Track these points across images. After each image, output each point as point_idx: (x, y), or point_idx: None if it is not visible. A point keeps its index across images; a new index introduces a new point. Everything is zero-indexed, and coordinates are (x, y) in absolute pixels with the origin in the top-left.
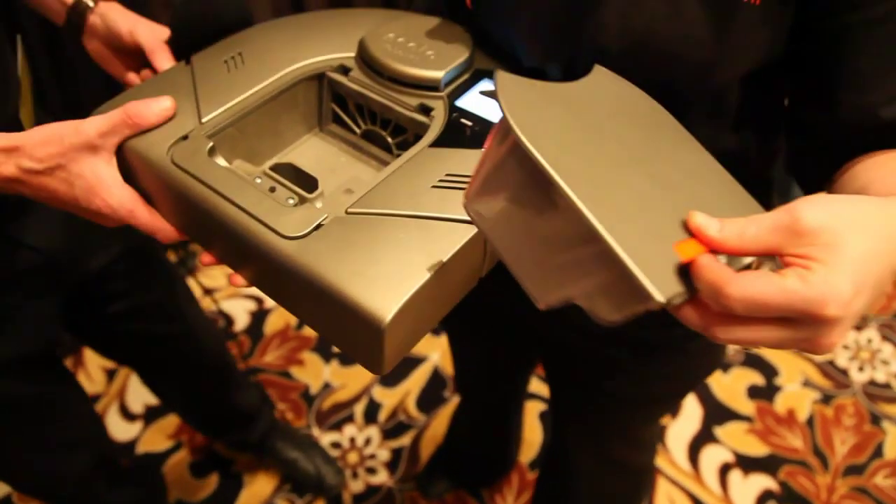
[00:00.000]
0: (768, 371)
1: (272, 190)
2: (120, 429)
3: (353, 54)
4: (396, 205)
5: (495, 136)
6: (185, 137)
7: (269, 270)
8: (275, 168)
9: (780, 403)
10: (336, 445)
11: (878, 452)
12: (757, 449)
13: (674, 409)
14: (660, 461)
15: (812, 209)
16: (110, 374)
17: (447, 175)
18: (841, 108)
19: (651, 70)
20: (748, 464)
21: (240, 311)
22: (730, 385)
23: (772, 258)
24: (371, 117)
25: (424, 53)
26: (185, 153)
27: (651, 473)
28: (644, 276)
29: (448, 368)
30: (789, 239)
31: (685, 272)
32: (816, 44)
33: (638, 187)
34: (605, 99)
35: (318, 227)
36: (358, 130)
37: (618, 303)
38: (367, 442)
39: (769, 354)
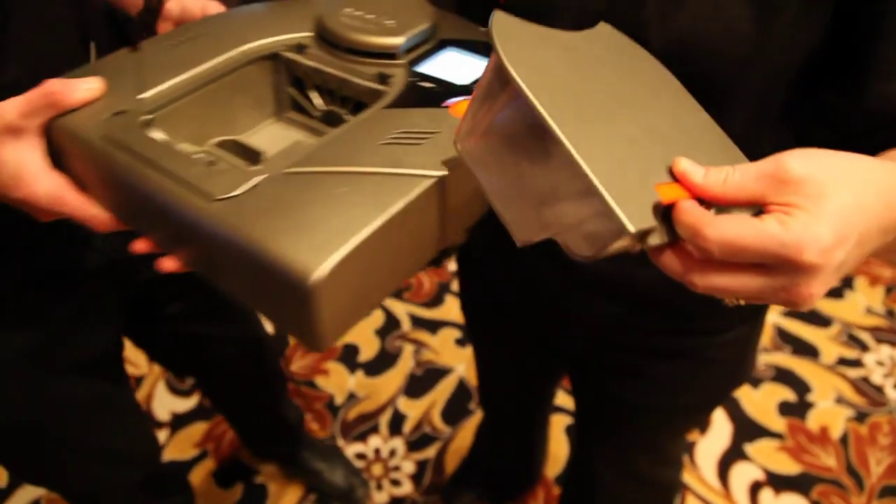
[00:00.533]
0: (800, 387)
1: (211, 164)
2: None
3: (311, 34)
4: (342, 161)
5: (489, 75)
6: (119, 113)
7: (199, 240)
8: (218, 144)
9: (813, 420)
10: (361, 456)
11: None
12: (789, 467)
13: (702, 424)
14: (688, 478)
15: (799, 160)
16: (137, 382)
17: (400, 132)
18: (867, 97)
19: (691, 66)
20: (780, 482)
21: (264, 320)
22: (760, 401)
23: (756, 209)
24: (330, 96)
25: (383, 23)
26: (118, 128)
27: (678, 490)
28: (617, 206)
29: (474, 380)
30: (773, 187)
31: (668, 217)
32: (848, 31)
33: (629, 135)
34: (606, 51)
35: (253, 188)
36: (317, 113)
37: (593, 237)
38: (392, 453)
39: (801, 370)
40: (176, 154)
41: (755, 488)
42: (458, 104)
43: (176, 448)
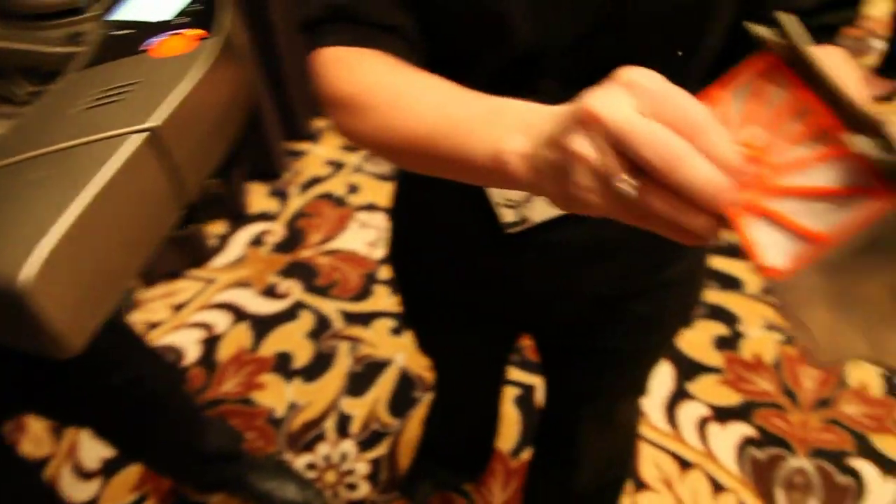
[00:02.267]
0: (731, 320)
1: None
2: (76, 489)
3: None
4: (36, 144)
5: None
6: None
7: None
8: None
9: (747, 350)
10: (311, 466)
11: (843, 383)
12: (730, 398)
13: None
14: (641, 428)
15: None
16: (58, 431)
17: (99, 92)
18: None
19: (667, 22)
20: (724, 414)
21: (189, 343)
22: (696, 339)
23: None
24: (34, 76)
25: None
26: None
27: (637, 433)
28: None
29: (416, 367)
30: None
31: None
32: None
33: None
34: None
35: None
36: (23, 99)
37: None
38: (344, 457)
39: (729, 303)
40: None
41: (702, 424)
42: (161, 43)
43: (112, 496)
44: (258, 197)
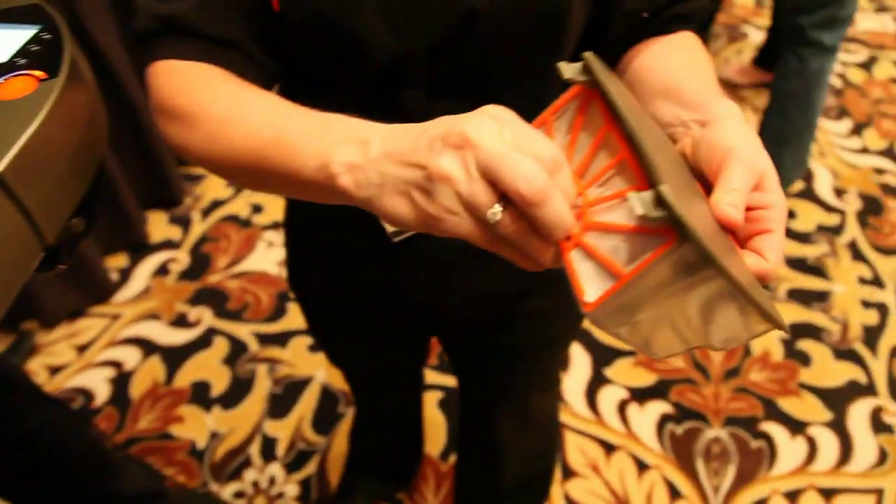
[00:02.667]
0: None
1: None
2: None
3: None
4: None
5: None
6: None
7: None
8: None
9: None
10: (240, 495)
11: (747, 352)
12: (646, 379)
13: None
14: (562, 416)
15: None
16: None
17: None
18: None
19: (522, 29)
20: (641, 395)
21: (98, 382)
22: None
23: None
24: None
25: None
26: None
27: (559, 424)
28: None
29: (337, 383)
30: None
31: None
32: None
33: (687, 189)
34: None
35: None
36: None
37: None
38: (272, 481)
39: None
40: None
41: (622, 407)
42: None
43: None
44: (159, 225)
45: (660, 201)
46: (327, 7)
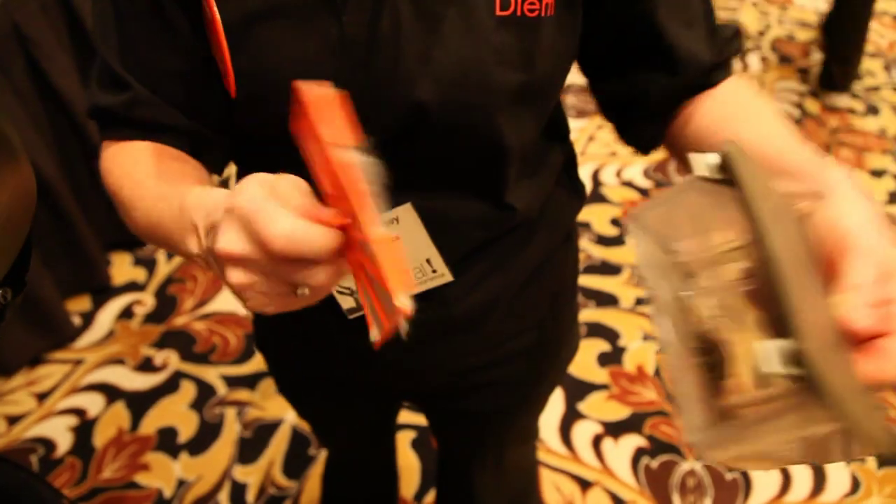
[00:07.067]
0: (611, 335)
1: None
2: None
3: None
4: None
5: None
6: None
7: None
8: None
9: (629, 363)
10: None
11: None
12: (619, 412)
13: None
14: (538, 454)
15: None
16: None
17: None
18: (679, 58)
19: (475, 110)
20: (615, 429)
21: (59, 431)
22: (581, 359)
23: None
24: None
25: None
26: None
27: (537, 468)
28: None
29: (307, 425)
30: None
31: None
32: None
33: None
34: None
35: None
36: None
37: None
38: None
39: (607, 319)
40: None
41: (597, 441)
42: None
43: None
44: (122, 267)
45: (797, 359)
46: (283, 97)
